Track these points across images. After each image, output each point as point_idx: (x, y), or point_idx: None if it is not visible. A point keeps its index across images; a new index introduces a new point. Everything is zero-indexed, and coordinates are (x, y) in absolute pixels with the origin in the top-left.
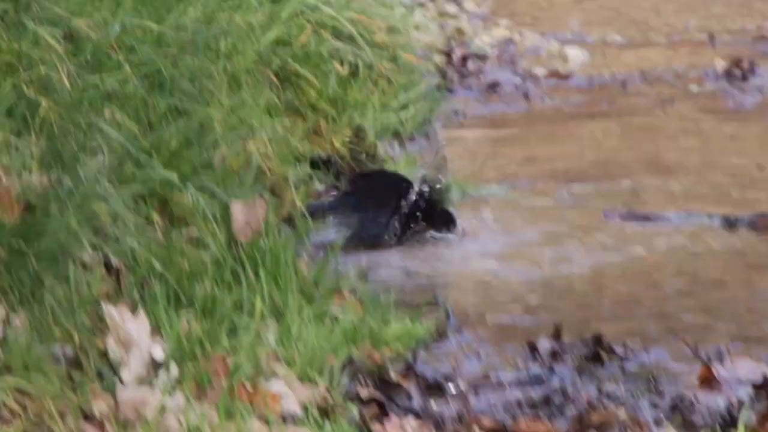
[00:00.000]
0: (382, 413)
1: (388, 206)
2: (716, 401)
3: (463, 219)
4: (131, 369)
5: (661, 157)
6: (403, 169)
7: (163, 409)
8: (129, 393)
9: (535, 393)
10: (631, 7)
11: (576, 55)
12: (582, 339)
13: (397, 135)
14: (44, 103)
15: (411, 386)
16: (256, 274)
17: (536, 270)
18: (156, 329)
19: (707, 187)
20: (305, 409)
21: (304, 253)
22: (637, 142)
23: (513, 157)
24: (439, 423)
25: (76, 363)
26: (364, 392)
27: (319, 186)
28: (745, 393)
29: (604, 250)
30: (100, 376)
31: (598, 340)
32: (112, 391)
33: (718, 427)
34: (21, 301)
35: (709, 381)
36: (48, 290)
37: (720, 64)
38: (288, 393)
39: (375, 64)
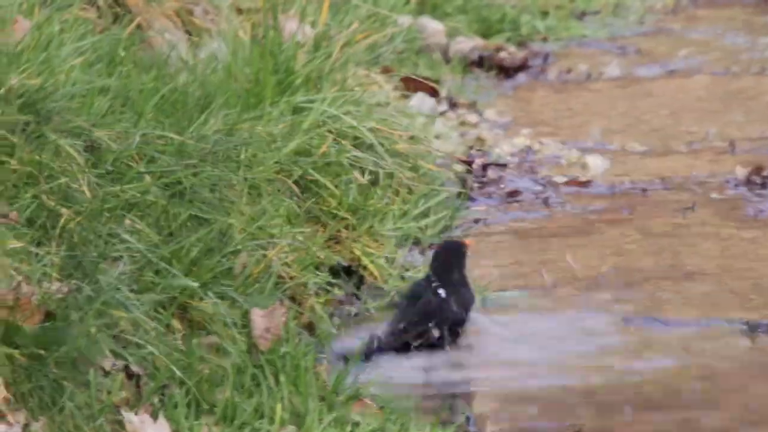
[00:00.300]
0: None
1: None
2: None
3: (482, 325)
4: None
5: (681, 263)
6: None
7: None
8: None
9: None
10: (651, 115)
11: (596, 162)
12: None
13: (417, 243)
14: (65, 212)
15: None
16: (277, 381)
17: (558, 377)
18: None
19: (727, 293)
20: None
21: (324, 359)
22: (658, 248)
23: (533, 264)
24: None
25: None
26: None
27: (339, 293)
28: None
29: (624, 356)
30: None
31: None
32: None
33: None
34: (41, 407)
35: None
36: (68, 396)
37: (740, 172)
38: None
39: (395, 172)
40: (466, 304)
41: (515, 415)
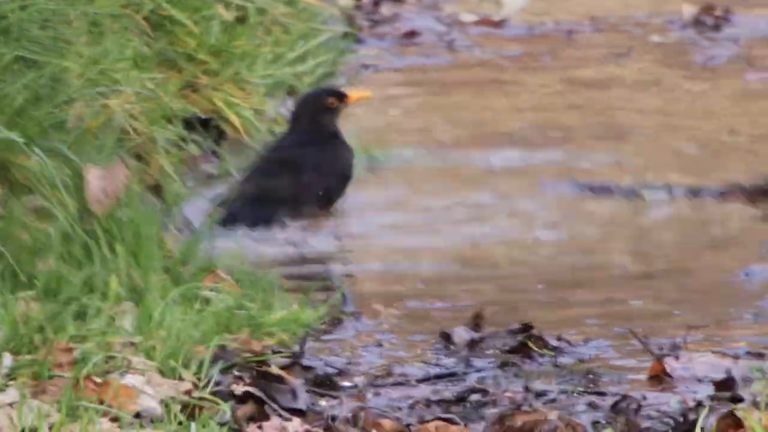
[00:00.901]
0: (260, 413)
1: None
2: (669, 402)
3: (368, 187)
4: None
5: (614, 119)
6: None
7: None
8: None
9: (448, 391)
10: None
11: None
12: (507, 328)
13: (293, 92)
14: None
15: (296, 382)
16: (112, 250)
17: (453, 247)
18: None
19: (668, 154)
20: (166, 407)
21: (171, 226)
22: (585, 101)
23: (432, 117)
24: (329, 426)
25: None
26: (239, 388)
27: (194, 150)
28: (704, 393)
29: (538, 225)
30: None
31: (526, 329)
32: None
33: None
34: None
35: (660, 378)
36: None
37: (688, 10)
38: (146, 388)
39: (268, 8)
40: (338, 167)
41: (400, 293)
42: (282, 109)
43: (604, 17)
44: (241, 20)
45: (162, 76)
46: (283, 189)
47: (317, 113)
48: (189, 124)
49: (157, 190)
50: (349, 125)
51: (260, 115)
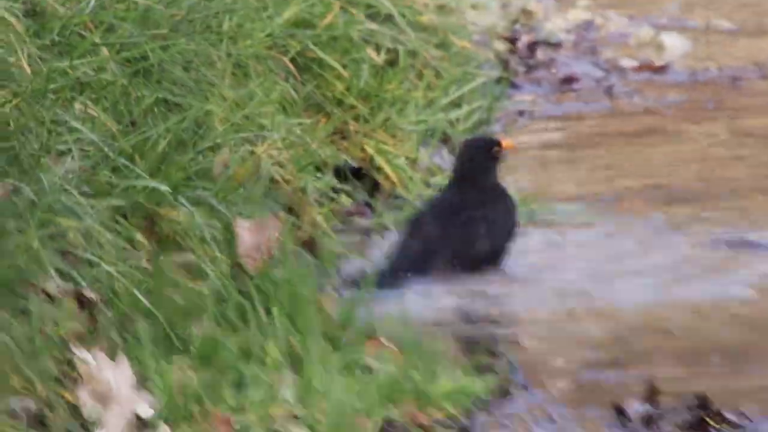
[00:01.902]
0: None
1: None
2: None
3: (530, 245)
4: (109, 430)
5: None
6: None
7: None
8: None
9: None
10: None
11: (674, 43)
12: (683, 401)
13: (446, 139)
14: None
15: None
16: (268, 312)
17: (624, 312)
18: (141, 380)
19: None
20: None
21: (329, 287)
22: (752, 152)
23: (592, 169)
24: None
25: (39, 420)
26: None
27: (347, 202)
28: None
29: (710, 287)
30: None
31: (703, 402)
32: None
33: None
34: None
35: None
36: (4, 328)
37: None
38: None
39: (419, 50)
40: (501, 226)
41: (570, 361)
42: (436, 158)
43: None
44: (392, 63)
45: (310, 121)
46: (450, 246)
47: (484, 162)
48: (339, 173)
49: (310, 245)
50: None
51: (413, 164)
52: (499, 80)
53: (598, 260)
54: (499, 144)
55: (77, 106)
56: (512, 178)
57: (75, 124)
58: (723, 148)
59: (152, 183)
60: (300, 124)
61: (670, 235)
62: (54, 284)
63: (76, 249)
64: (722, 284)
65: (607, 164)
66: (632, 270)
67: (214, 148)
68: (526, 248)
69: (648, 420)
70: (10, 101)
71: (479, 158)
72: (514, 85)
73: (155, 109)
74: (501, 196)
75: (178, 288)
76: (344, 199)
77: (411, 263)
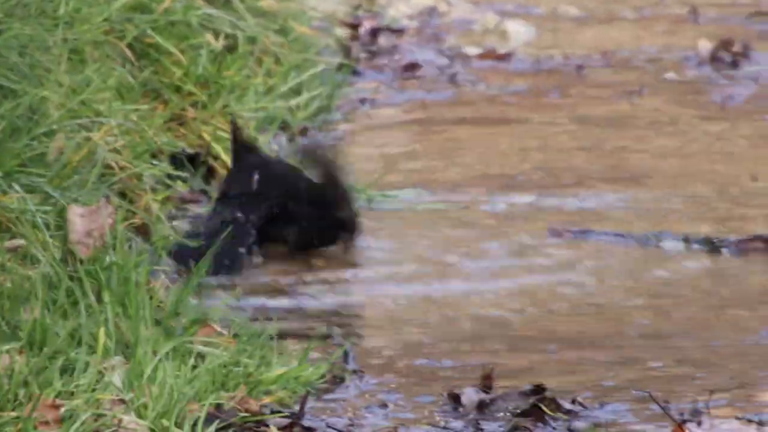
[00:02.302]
0: None
1: (253, 217)
2: None
3: (367, 233)
4: None
5: (626, 162)
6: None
7: None
8: None
9: None
10: None
11: (519, 30)
12: (518, 389)
13: (285, 127)
14: None
15: None
16: (99, 299)
17: (461, 301)
18: None
19: (684, 201)
20: None
21: (161, 273)
22: (596, 141)
23: (434, 157)
24: None
25: None
26: None
27: (182, 189)
28: None
29: (548, 277)
30: None
31: (538, 390)
32: None
33: None
34: None
35: None
36: None
37: (704, 46)
38: None
39: (259, 36)
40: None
41: (406, 350)
42: (275, 145)
43: (615, 52)
44: (231, 49)
45: (147, 107)
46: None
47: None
48: (176, 159)
49: (144, 231)
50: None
51: None
52: (340, 67)
53: (436, 248)
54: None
55: None
56: (352, 167)
57: None
58: (566, 136)
59: None
60: (137, 110)
61: (511, 223)
62: None
63: None
64: (561, 273)
65: (449, 152)
66: (471, 257)
67: (49, 134)
68: (365, 233)
69: (481, 406)
70: None
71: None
72: (355, 72)
73: None
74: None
75: (7, 274)
76: (180, 186)
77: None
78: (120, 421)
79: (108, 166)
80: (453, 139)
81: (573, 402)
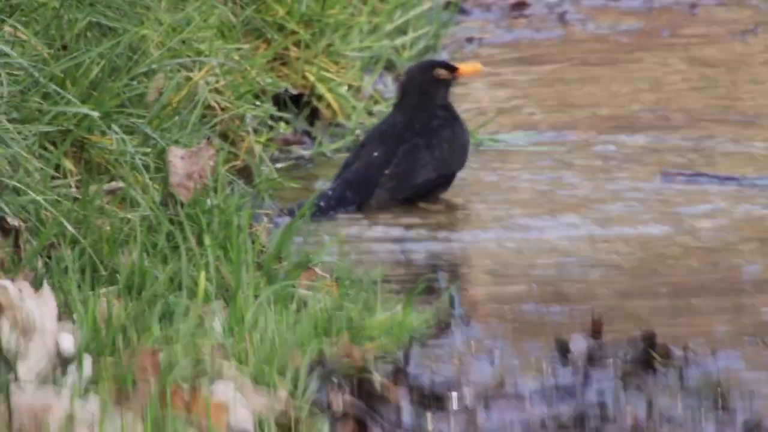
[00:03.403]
0: (362, 431)
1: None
2: None
3: (477, 175)
4: (31, 363)
5: (740, 104)
6: None
7: (71, 419)
8: (27, 396)
9: (565, 409)
10: None
11: None
12: (629, 338)
13: (391, 67)
14: None
15: (401, 396)
16: (200, 242)
17: (571, 246)
18: (66, 311)
19: None
20: (260, 422)
21: (264, 217)
22: (709, 83)
23: (544, 99)
24: None
25: None
26: (339, 403)
27: (285, 131)
28: None
29: (661, 221)
30: None
31: (649, 339)
32: (5, 393)
33: None
34: None
35: None
36: None
37: None
38: (238, 400)
39: None
40: (447, 154)
41: (513, 296)
42: (380, 85)
43: None
44: None
45: (249, 47)
46: (393, 174)
47: (426, 87)
48: (279, 100)
49: (246, 174)
50: (458, 107)
51: (356, 93)
52: (446, 5)
53: (544, 192)
54: (443, 67)
55: (6, 29)
56: (463, 107)
57: (4, 47)
58: (678, 77)
59: (83, 109)
60: (239, 49)
61: (621, 165)
62: None
63: (2, 176)
64: (673, 217)
65: (558, 93)
66: (580, 203)
67: (149, 74)
68: (472, 178)
69: (591, 356)
70: None
71: (421, 81)
72: (462, 11)
73: (88, 33)
74: (448, 122)
75: (106, 217)
76: (283, 128)
77: (352, 190)
78: (221, 368)
79: (209, 107)
80: (562, 79)
81: (684, 350)
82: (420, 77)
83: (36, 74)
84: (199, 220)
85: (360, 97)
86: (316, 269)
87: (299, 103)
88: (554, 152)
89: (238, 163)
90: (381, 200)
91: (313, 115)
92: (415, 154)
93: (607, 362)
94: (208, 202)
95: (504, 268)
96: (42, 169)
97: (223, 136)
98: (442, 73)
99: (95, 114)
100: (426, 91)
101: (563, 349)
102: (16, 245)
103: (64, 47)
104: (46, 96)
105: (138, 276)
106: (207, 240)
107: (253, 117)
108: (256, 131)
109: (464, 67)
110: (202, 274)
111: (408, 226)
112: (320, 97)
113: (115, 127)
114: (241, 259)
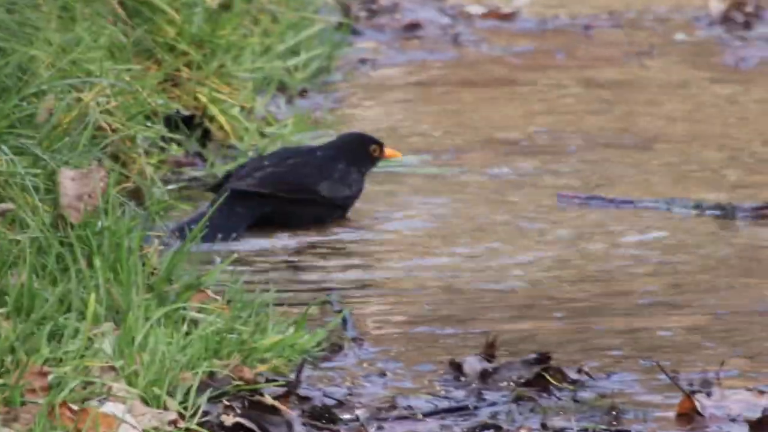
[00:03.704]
0: None
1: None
2: None
3: (367, 200)
4: None
5: (635, 126)
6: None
7: None
8: None
9: (458, 426)
10: None
11: None
12: (523, 359)
13: (283, 88)
14: None
15: (292, 414)
16: (90, 264)
17: (463, 267)
18: None
19: (695, 166)
20: None
21: (155, 239)
22: (604, 105)
23: (437, 120)
24: None
25: None
26: (230, 419)
27: (177, 152)
28: None
29: (555, 243)
30: None
31: (543, 359)
32: None
33: None
34: None
35: (690, 417)
36: None
37: (716, 6)
38: (127, 417)
39: None
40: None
41: (406, 318)
42: (272, 107)
43: (623, 12)
44: (226, 7)
45: (140, 68)
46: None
47: (357, 157)
48: (170, 121)
49: (137, 195)
50: (351, 128)
51: (249, 114)
52: (339, 26)
53: (437, 215)
54: (377, 144)
55: None
56: (356, 127)
57: None
58: (573, 99)
59: None
60: (129, 70)
61: (516, 190)
62: None
63: None
64: (568, 240)
65: (451, 115)
66: (475, 225)
67: (39, 95)
68: (365, 200)
69: (484, 375)
70: None
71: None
72: (354, 32)
73: None
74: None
75: None
76: (174, 149)
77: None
78: (110, 388)
79: (100, 128)
80: (456, 101)
81: (579, 371)
82: (356, 145)
83: None
84: (89, 241)
85: (252, 119)
86: (208, 291)
87: (191, 125)
88: (448, 175)
89: (130, 184)
90: (243, 185)
91: (205, 137)
92: (302, 165)
93: (501, 383)
94: (99, 223)
95: (397, 290)
96: None
97: (114, 158)
98: (376, 150)
99: None
100: (352, 159)
101: (457, 371)
102: None
103: None
104: None
105: (27, 297)
106: (97, 262)
107: (144, 138)
108: (147, 153)
109: (389, 151)
110: (92, 295)
111: (301, 246)
112: (212, 119)
113: (4, 147)
114: (132, 281)
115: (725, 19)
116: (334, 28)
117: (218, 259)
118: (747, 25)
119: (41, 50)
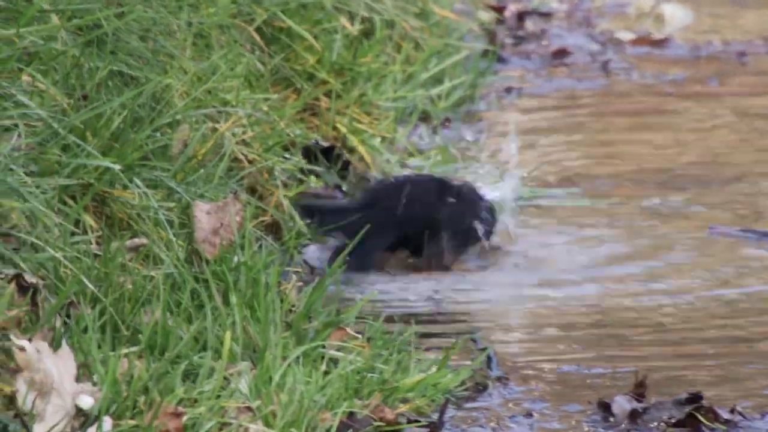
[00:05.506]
0: None
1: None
2: None
3: (511, 233)
4: (48, 425)
5: None
6: (434, 165)
7: None
8: None
9: None
10: None
11: (675, 14)
12: (674, 399)
13: (425, 118)
14: None
15: None
16: (226, 301)
17: (613, 304)
18: (85, 370)
19: None
20: None
21: (293, 274)
22: (758, 135)
23: (586, 151)
24: None
25: None
26: None
27: (316, 184)
28: None
29: (708, 279)
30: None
31: (695, 399)
32: None
33: None
34: None
35: None
36: None
37: None
38: None
39: (397, 20)
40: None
41: (552, 356)
42: (414, 137)
43: None
44: (367, 34)
45: (277, 97)
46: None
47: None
48: (309, 153)
49: (275, 229)
50: (497, 159)
51: (390, 145)
52: (484, 53)
53: (586, 248)
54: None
55: (24, 78)
56: (503, 160)
57: (22, 98)
58: (727, 129)
59: (104, 162)
60: (267, 99)
61: (667, 221)
62: None
63: (20, 232)
64: (720, 274)
65: (601, 145)
66: (623, 259)
67: (173, 125)
68: (512, 233)
69: (633, 415)
70: None
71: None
72: (500, 59)
73: (109, 83)
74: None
75: (128, 274)
76: (314, 181)
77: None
78: (246, 429)
79: (236, 160)
80: (605, 130)
81: (732, 411)
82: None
83: (55, 125)
84: (225, 277)
85: (394, 150)
86: (347, 329)
87: (330, 156)
88: (597, 208)
89: (267, 218)
90: (415, 255)
91: (345, 168)
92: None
93: (651, 424)
94: (235, 258)
95: (543, 326)
96: (61, 224)
97: (251, 190)
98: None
99: (117, 167)
100: None
101: (605, 411)
102: (34, 303)
103: (85, 97)
104: (65, 148)
105: (161, 335)
106: (233, 298)
107: (282, 170)
108: (285, 185)
109: None
110: (228, 333)
111: (439, 282)
112: (352, 150)
113: (137, 180)
114: (269, 318)
115: None
116: (479, 56)
117: (358, 296)
118: None
119: (176, 79)
